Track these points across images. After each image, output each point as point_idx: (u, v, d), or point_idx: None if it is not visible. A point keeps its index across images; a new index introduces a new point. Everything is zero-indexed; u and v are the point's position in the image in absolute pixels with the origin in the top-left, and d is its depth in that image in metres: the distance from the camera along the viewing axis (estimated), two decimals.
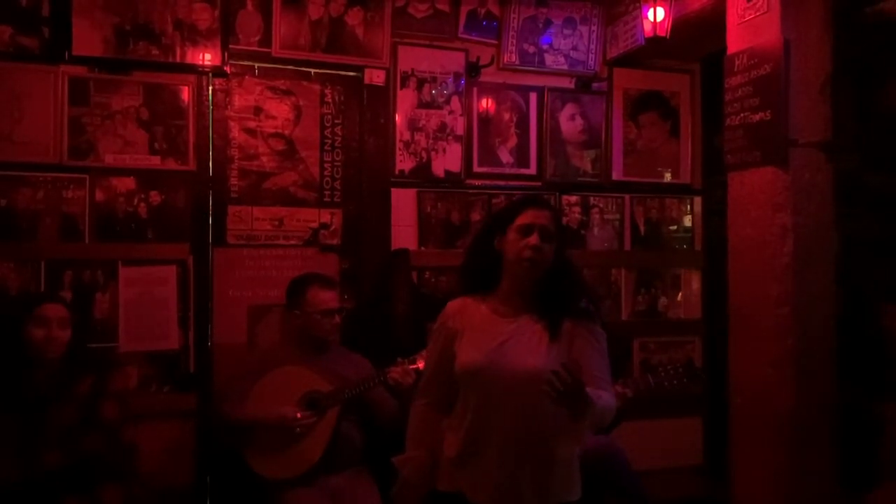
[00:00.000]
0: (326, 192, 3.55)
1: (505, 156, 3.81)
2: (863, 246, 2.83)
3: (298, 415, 2.79)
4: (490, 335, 1.97)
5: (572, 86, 3.92)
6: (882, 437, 2.72)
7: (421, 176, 3.66)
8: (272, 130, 3.47)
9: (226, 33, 3.35)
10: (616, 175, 3.97)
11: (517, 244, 1.96)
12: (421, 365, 2.68)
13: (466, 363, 1.96)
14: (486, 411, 1.92)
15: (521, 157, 3.83)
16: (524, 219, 1.97)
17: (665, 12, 3.28)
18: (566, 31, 3.86)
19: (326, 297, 2.98)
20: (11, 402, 2.40)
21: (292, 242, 3.48)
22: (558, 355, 1.92)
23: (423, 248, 3.63)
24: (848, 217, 2.80)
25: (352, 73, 3.57)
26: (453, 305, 2.07)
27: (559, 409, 1.73)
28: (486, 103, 3.78)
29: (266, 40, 3.42)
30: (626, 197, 3.99)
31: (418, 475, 2.03)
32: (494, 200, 3.73)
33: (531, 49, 3.81)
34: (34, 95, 3.13)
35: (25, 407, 2.40)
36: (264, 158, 3.46)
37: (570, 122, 3.89)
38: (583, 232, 3.91)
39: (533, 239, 1.94)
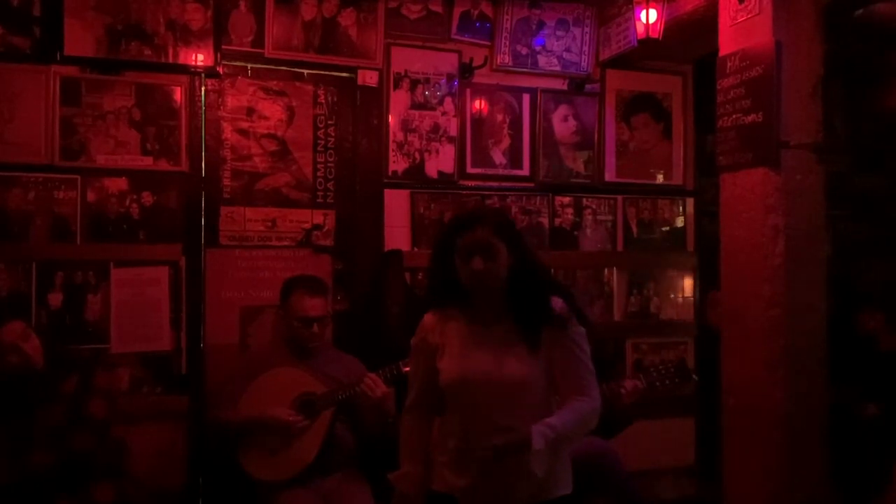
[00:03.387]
0: (319, 193, 3.54)
1: (498, 157, 3.81)
2: (853, 247, 2.85)
3: (291, 418, 2.78)
4: (470, 346, 1.97)
5: (565, 87, 3.92)
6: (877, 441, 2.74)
7: (414, 177, 3.66)
8: (265, 131, 3.46)
9: (218, 34, 3.34)
10: (609, 176, 3.97)
11: (463, 270, 1.94)
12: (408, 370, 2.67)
13: (451, 376, 1.96)
14: (474, 420, 1.93)
15: (514, 158, 3.83)
16: (462, 242, 1.94)
17: (657, 14, 3.29)
18: (559, 33, 3.86)
19: (307, 305, 2.95)
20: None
21: (285, 243, 3.47)
22: (540, 362, 1.95)
23: (416, 249, 3.63)
24: (839, 218, 2.82)
25: (345, 74, 3.56)
26: (429, 320, 2.06)
27: (543, 412, 1.91)
28: (480, 104, 3.78)
29: (259, 41, 3.41)
30: (619, 198, 4.00)
31: (415, 490, 2.03)
32: (488, 201, 3.74)
33: (524, 50, 3.82)
34: (25, 96, 3.11)
35: (12, 411, 2.39)
36: (257, 159, 3.45)
37: (562, 124, 3.90)
38: (575, 233, 3.92)
39: (475, 263, 1.92)
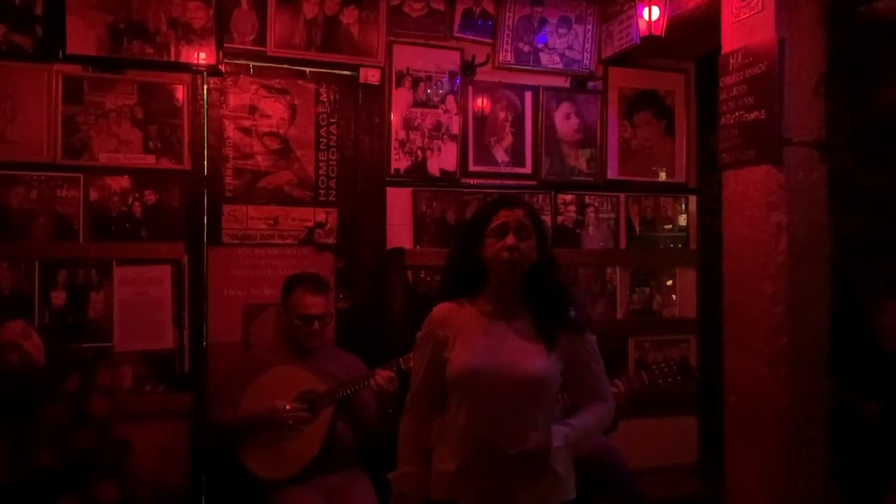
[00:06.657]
0: (321, 192, 3.54)
1: (500, 155, 3.81)
2: (856, 244, 2.84)
3: (288, 406, 2.78)
4: (484, 338, 1.94)
5: (567, 85, 3.92)
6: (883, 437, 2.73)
7: (416, 175, 3.65)
8: (267, 129, 3.47)
9: (220, 32, 3.35)
10: (611, 174, 3.97)
11: (494, 247, 1.94)
12: (408, 367, 2.66)
13: (462, 367, 1.93)
14: (482, 415, 1.90)
15: (516, 156, 3.83)
16: (497, 220, 1.96)
17: (660, 11, 3.29)
18: (561, 30, 3.86)
19: (308, 303, 2.95)
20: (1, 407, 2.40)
21: (287, 241, 3.47)
22: (554, 362, 1.94)
23: (418, 248, 3.63)
24: (841, 216, 2.81)
25: (347, 72, 3.56)
26: (439, 312, 2.03)
27: (551, 410, 1.93)
28: (482, 102, 3.77)
29: (261, 39, 3.41)
30: (621, 196, 3.99)
31: (414, 490, 2.01)
32: (490, 199, 3.72)
33: (526, 48, 3.81)
34: (27, 94, 3.11)
35: (14, 410, 2.40)
36: (259, 157, 3.46)
37: (565, 121, 3.90)
38: (578, 231, 3.91)
39: (508, 239, 1.92)
